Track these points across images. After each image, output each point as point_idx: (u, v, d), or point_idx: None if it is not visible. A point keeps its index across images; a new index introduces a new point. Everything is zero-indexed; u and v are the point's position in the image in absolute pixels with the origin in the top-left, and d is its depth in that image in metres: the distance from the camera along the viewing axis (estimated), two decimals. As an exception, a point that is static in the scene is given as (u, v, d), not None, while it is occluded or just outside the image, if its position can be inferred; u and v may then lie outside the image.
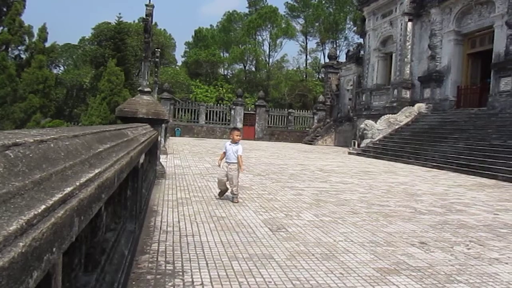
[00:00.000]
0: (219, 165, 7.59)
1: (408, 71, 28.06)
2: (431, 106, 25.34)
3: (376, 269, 4.09)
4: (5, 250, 0.68)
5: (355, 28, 57.28)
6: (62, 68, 61.05)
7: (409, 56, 27.96)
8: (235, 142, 7.47)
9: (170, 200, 7.17)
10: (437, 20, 25.82)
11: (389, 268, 4.14)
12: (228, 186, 7.39)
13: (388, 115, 25.58)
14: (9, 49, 34.18)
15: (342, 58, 43.65)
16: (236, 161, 7.34)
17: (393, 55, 29.64)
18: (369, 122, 25.18)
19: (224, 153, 7.53)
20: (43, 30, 35.59)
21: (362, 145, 24.49)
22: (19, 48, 34.85)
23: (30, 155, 1.14)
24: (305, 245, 4.77)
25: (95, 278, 2.29)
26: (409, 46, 27.92)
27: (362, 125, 25.31)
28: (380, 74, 31.70)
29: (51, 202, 0.97)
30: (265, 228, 5.50)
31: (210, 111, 39.28)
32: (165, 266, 3.83)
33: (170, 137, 29.48)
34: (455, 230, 6.05)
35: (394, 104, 27.79)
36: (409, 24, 27.82)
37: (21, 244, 0.73)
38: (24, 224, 0.79)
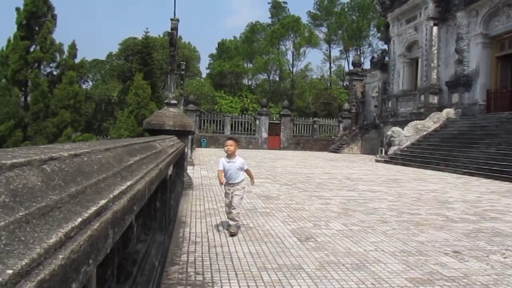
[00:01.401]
0: (222, 184, 5.87)
1: (435, 76, 27.55)
2: (460, 111, 24.76)
3: (409, 279, 3.99)
4: (46, 263, 0.70)
5: (379, 35, 56.79)
6: (90, 83, 62.68)
7: (435, 61, 27.47)
8: (230, 156, 5.82)
9: (198, 210, 7.21)
10: (464, 24, 25.32)
11: (422, 278, 4.04)
12: (227, 209, 5.83)
13: (415, 121, 25.13)
14: (41, 66, 35.37)
15: (367, 65, 43.32)
16: (240, 180, 5.81)
17: (419, 60, 29.19)
18: (396, 129, 24.79)
19: (222, 171, 5.86)
20: (72, 47, 36.70)
21: (389, 152, 24.10)
22: (51, 65, 35.99)
23: (66, 169, 1.17)
24: (334, 255, 4.70)
25: (127, 289, 2.31)
26: (435, 51, 27.44)
27: (389, 132, 24.94)
28: (406, 80, 31.24)
29: (87, 215, 0.99)
30: (293, 238, 5.45)
31: (235, 121, 39.50)
32: (195, 277, 3.84)
33: (196, 148, 29.77)
34: (490, 238, 5.85)
35: (422, 110, 27.28)
36: (435, 28, 27.37)
37: (60, 256, 0.74)
38: (62, 236, 0.81)
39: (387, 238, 5.65)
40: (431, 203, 8.96)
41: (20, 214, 0.76)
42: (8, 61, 33.31)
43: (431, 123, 24.57)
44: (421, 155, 20.95)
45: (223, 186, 5.89)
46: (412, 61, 30.83)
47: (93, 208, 1.06)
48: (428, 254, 4.92)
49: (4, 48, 33.87)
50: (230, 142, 5.94)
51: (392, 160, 22.39)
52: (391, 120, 30.65)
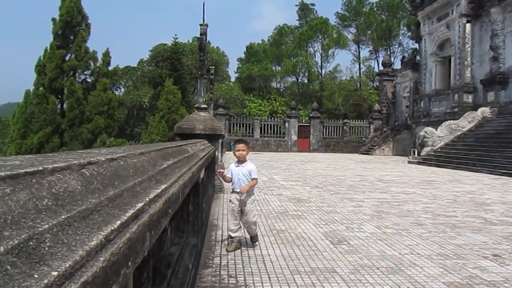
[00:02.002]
0: (229, 181, 5.27)
1: (468, 75, 26.75)
2: (496, 110, 23.93)
3: (447, 284, 3.87)
4: (88, 265, 0.71)
5: (409, 34, 55.61)
6: (122, 89, 64.15)
7: (469, 59, 26.68)
8: (241, 161, 5.14)
9: (229, 214, 7.23)
10: (498, 20, 24.50)
11: (461, 283, 3.91)
12: (242, 225, 5.07)
13: (449, 121, 24.47)
14: (76, 74, 36.47)
15: (397, 65, 42.53)
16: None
17: (452, 58, 28.43)
18: (429, 129, 24.21)
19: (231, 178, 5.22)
20: (106, 55, 37.69)
21: (423, 153, 23.55)
22: (85, 72, 37.05)
23: (103, 173, 1.19)
24: (368, 259, 4.62)
25: (163, 291, 2.33)
26: (469, 49, 26.66)
27: (422, 133, 24.38)
28: (439, 79, 30.48)
29: (125, 218, 1.00)
30: (326, 241, 5.39)
31: (264, 124, 39.54)
32: (228, 280, 3.86)
33: (226, 152, 29.97)
34: (532, 241, 5.61)
35: (455, 110, 26.53)
36: (468, 25, 26.61)
37: (101, 258, 0.75)
38: (103, 239, 0.82)
39: (423, 241, 5.51)
40: (467, 205, 8.69)
41: (63, 217, 0.78)
42: (45, 70, 34.51)
43: (466, 122, 23.86)
44: (456, 156, 20.37)
45: (230, 198, 5.18)
46: (445, 59, 30.06)
47: (131, 211, 1.08)
48: (466, 257, 4.76)
49: (41, 57, 35.10)
50: (241, 145, 5.11)
51: (426, 161, 21.86)
52: (423, 121, 29.94)
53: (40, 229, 0.68)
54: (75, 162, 1.07)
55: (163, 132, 38.62)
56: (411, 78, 34.84)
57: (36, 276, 0.58)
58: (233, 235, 4.93)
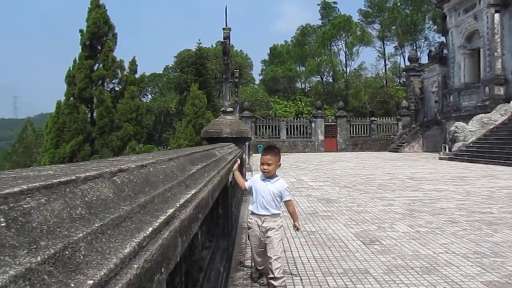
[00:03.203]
0: (242, 187, 4.23)
1: (499, 66, 25.92)
2: (531, 101, 23.10)
3: (486, 283, 3.75)
4: (122, 273, 0.71)
5: (435, 27, 54.43)
6: (149, 96, 65.24)
7: (499, 50, 25.86)
8: (270, 175, 3.81)
9: (259, 216, 7.23)
10: (530, 8, 23.66)
11: (500, 282, 3.78)
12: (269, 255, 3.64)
13: (480, 115, 23.76)
14: (105, 83, 37.30)
15: (424, 60, 41.62)
16: (276, 212, 3.78)
17: (481, 50, 27.62)
18: (460, 124, 23.58)
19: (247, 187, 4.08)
20: (133, 63, 38.42)
21: (454, 149, 22.96)
22: (113, 81, 37.85)
23: (134, 180, 1.21)
24: (402, 258, 4.53)
25: (196, 296, 2.35)
26: (498, 39, 25.84)
27: (452, 128, 23.78)
28: (468, 72, 29.66)
29: (157, 224, 1.01)
30: (357, 241, 5.32)
31: (290, 125, 39.42)
32: (260, 283, 3.84)
33: (253, 154, 30.02)
34: None
35: (487, 103, 25.73)
36: (496, 15, 25.79)
37: (135, 266, 0.76)
38: (136, 246, 0.83)
39: (458, 239, 5.36)
40: (504, 201, 8.40)
41: (96, 225, 0.79)
42: (75, 81, 35.45)
43: (498, 115, 23.12)
44: (489, 150, 19.76)
45: (249, 220, 3.89)
46: (473, 51, 29.25)
47: (162, 217, 1.08)
48: (504, 255, 4.60)
49: (71, 68, 36.08)
50: (267, 157, 3.73)
51: (457, 157, 21.29)
52: (453, 115, 29.19)
53: (74, 238, 0.69)
54: (107, 170, 1.09)
55: (190, 136, 39.03)
56: (439, 72, 34.04)
57: (72, 285, 0.59)
58: (260, 268, 3.83)
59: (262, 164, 3.77)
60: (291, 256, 4.69)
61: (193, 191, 1.61)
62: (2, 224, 0.59)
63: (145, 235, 0.90)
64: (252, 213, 3.82)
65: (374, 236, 5.56)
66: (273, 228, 3.69)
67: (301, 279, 3.91)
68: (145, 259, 0.82)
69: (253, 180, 3.94)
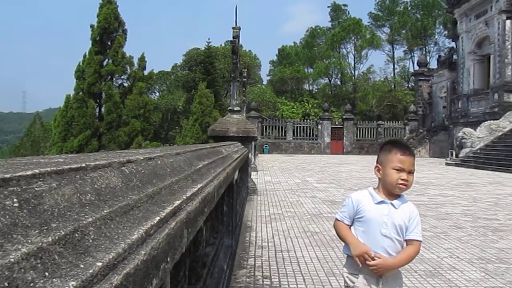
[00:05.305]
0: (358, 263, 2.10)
1: (509, 73, 25.76)
2: (540, 109, 22.92)
3: (489, 289, 3.73)
4: (130, 257, 0.72)
5: (445, 32, 54.21)
6: (157, 93, 65.45)
7: (509, 57, 25.69)
8: (393, 193, 2.14)
9: (263, 215, 7.24)
10: (542, 15, 23.47)
11: (505, 288, 3.76)
12: None
13: (489, 121, 23.61)
14: (114, 78, 37.46)
15: (433, 65, 41.48)
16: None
17: (491, 57, 27.45)
18: (468, 130, 23.45)
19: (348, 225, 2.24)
20: (142, 60, 38.56)
21: (461, 155, 22.83)
22: (122, 77, 37.96)
23: (142, 171, 1.22)
24: (405, 262, 4.51)
25: (199, 290, 2.36)
26: (509, 46, 25.67)
27: (460, 134, 23.65)
28: (477, 78, 29.48)
29: (164, 214, 1.02)
30: (361, 243, 5.30)
31: (297, 127, 39.39)
32: (263, 281, 3.86)
33: (259, 154, 30.01)
34: None
35: (495, 109, 25.55)
36: (508, 22, 25.62)
37: (142, 252, 0.77)
38: (143, 233, 0.84)
39: (463, 244, 5.33)
40: (510, 208, 8.35)
41: (105, 211, 0.80)
42: (84, 75, 35.65)
43: (507, 122, 22.96)
44: (496, 157, 19.62)
45: (346, 275, 2.26)
46: (483, 58, 29.06)
47: (169, 208, 1.09)
48: (509, 261, 4.58)
49: (81, 63, 36.29)
50: (410, 159, 2.14)
51: (464, 163, 21.17)
52: (461, 121, 29.02)
53: (84, 222, 0.70)
54: (115, 160, 1.10)
55: (196, 135, 39.11)
56: (448, 78, 33.87)
57: (82, 266, 0.60)
58: None
59: (398, 170, 2.06)
60: (295, 256, 4.69)
61: (199, 185, 1.62)
62: (15, 205, 0.61)
63: (152, 223, 0.92)
64: (352, 273, 2.17)
65: (378, 239, 5.54)
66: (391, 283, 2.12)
67: (304, 279, 3.92)
68: (152, 247, 0.83)
69: (360, 205, 2.13)
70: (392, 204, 2.10)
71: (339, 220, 2.25)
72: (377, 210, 2.09)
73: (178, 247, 1.10)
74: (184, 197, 1.31)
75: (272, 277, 3.97)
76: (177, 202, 1.20)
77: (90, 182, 0.88)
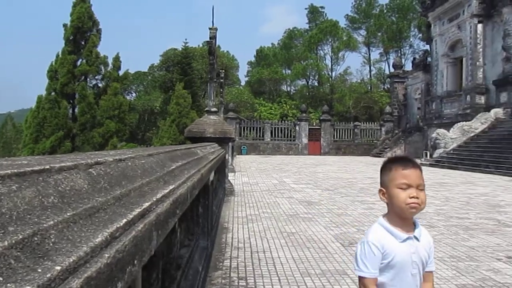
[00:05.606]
0: None
1: (481, 75, 26.48)
2: (509, 111, 23.60)
3: (460, 286, 3.82)
4: (93, 261, 0.71)
5: (420, 35, 55.32)
6: (134, 94, 64.64)
7: (481, 60, 26.42)
8: (406, 223, 1.77)
9: (240, 216, 7.24)
10: (510, 20, 24.21)
11: (474, 285, 3.85)
12: None
13: (461, 122, 24.21)
14: (88, 79, 36.85)
15: (408, 67, 42.26)
16: None
17: (464, 59, 28.17)
18: (441, 131, 23.98)
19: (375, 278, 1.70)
20: (116, 60, 38.04)
21: (435, 155, 23.33)
22: (96, 77, 37.40)
23: (111, 173, 1.20)
24: (379, 261, 4.57)
25: (172, 293, 2.34)
26: (481, 49, 26.40)
27: (434, 135, 24.17)
28: (450, 81, 30.22)
29: (131, 216, 1.01)
30: (336, 243, 5.36)
31: (274, 128, 39.51)
32: (238, 282, 3.85)
33: (237, 155, 29.98)
34: (547, 243, 5.52)
35: (468, 111, 26.24)
36: (479, 26, 26.36)
37: (106, 255, 0.76)
38: (108, 236, 0.83)
39: (435, 243, 5.41)
40: (481, 207, 8.57)
41: (68, 214, 0.79)
42: (57, 75, 34.94)
43: (479, 124, 23.59)
44: (468, 158, 20.13)
45: None
46: (456, 60, 29.81)
47: (137, 210, 1.08)
48: (479, 259, 4.70)
49: (53, 63, 35.54)
50: (416, 173, 1.80)
51: (438, 163, 21.64)
52: (435, 122, 29.68)
53: (45, 225, 0.69)
54: (83, 162, 1.08)
55: (174, 136, 38.82)
56: (422, 80, 34.59)
57: (39, 270, 0.59)
58: None
59: (404, 187, 1.72)
60: (270, 257, 4.70)
61: (171, 187, 1.61)
62: (-30, 208, 0.59)
63: (118, 226, 0.90)
64: None
65: (353, 238, 5.62)
66: None
67: (279, 280, 3.93)
68: (117, 250, 0.82)
69: (383, 250, 1.70)
70: (415, 237, 1.76)
71: (366, 278, 1.71)
72: (404, 250, 1.71)
73: (146, 249, 1.09)
74: (154, 199, 1.30)
75: (248, 278, 3.97)
76: (146, 204, 1.19)
77: (53, 185, 0.86)
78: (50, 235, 0.69)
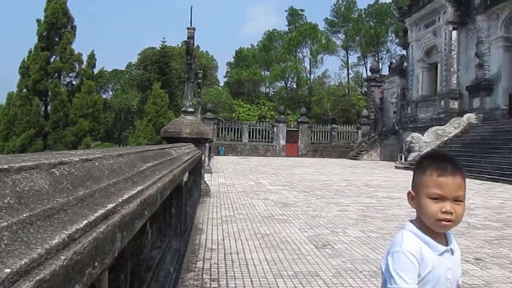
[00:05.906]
0: None
1: (455, 81, 27.16)
2: (481, 116, 24.31)
3: (428, 287, 3.90)
4: (47, 263, 0.70)
5: (397, 40, 56.32)
6: (110, 93, 63.71)
7: (455, 66, 27.10)
8: (439, 234, 1.46)
9: (215, 218, 7.21)
10: (484, 27, 24.92)
11: (442, 286, 3.94)
12: None
13: (435, 127, 24.76)
14: (61, 76, 36.11)
15: (385, 71, 42.98)
16: None
17: (438, 65, 28.84)
18: (416, 134, 24.46)
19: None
20: (91, 57, 37.41)
21: (409, 158, 23.77)
22: (70, 75, 36.71)
23: (75, 173, 1.18)
24: (352, 262, 4.64)
25: (141, 295, 2.31)
26: (455, 55, 27.08)
27: (409, 138, 24.63)
28: (426, 85, 30.88)
29: (93, 218, 0.99)
30: (310, 245, 5.40)
31: (252, 129, 39.55)
32: (210, 284, 3.84)
33: (214, 156, 29.88)
34: (513, 245, 5.69)
35: (442, 116, 26.88)
36: (454, 32, 27.04)
37: (62, 257, 0.75)
38: (66, 238, 0.81)
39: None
40: (452, 210, 8.77)
41: (24, 215, 0.77)
42: (29, 72, 34.14)
43: (452, 128, 24.18)
44: (441, 161, 20.56)
45: None
46: (431, 66, 30.48)
47: (100, 211, 1.07)
48: (448, 261, 4.80)
49: (25, 59, 34.70)
50: (458, 179, 1.46)
51: (412, 166, 21.94)
52: (410, 126, 30.27)
53: (-3, 226, 0.67)
54: (45, 161, 1.06)
55: (150, 135, 38.43)
56: (398, 84, 35.24)
57: (-13, 273, 0.57)
58: None
59: (437, 199, 1.42)
60: (244, 258, 4.70)
61: (139, 188, 1.59)
62: None
63: (78, 227, 0.89)
64: None
65: (327, 240, 5.67)
66: None
67: (251, 281, 3.93)
68: (74, 251, 0.80)
69: (421, 260, 1.41)
70: (451, 250, 1.49)
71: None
72: (441, 265, 1.44)
73: (109, 251, 1.07)
74: (120, 200, 1.28)
75: (220, 279, 3.96)
76: (111, 205, 1.18)
77: (11, 185, 0.84)
78: (3, 237, 0.67)
